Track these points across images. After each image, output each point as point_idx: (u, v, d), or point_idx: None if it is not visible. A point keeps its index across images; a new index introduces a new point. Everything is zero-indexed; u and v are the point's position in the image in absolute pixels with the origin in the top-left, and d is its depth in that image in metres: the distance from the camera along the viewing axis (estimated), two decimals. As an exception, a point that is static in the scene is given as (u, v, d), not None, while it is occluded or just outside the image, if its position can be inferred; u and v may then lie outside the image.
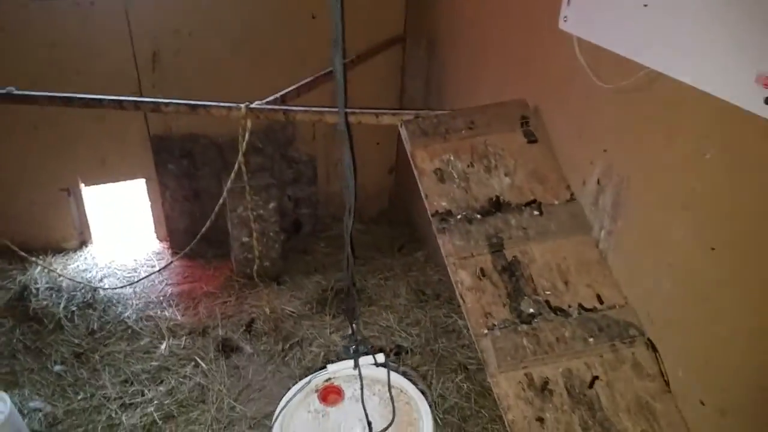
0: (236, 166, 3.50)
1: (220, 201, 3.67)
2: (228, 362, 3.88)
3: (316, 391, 2.03)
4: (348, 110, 2.80)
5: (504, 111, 2.95)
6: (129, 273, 4.60)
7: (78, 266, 4.55)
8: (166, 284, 4.54)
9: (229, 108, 3.31)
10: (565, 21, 2.54)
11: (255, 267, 3.85)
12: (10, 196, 4.35)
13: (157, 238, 5.01)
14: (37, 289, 4.21)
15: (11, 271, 4.37)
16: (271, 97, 3.45)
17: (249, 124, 3.30)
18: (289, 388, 1.99)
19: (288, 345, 4.02)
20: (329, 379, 2.06)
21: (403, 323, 4.22)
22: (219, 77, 4.38)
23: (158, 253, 4.89)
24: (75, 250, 4.72)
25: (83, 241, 4.80)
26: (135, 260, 4.76)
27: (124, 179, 4.73)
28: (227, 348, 3.99)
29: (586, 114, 2.54)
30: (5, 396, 2.82)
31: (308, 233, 5.19)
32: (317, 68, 3.78)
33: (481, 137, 2.85)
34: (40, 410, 3.42)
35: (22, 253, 3.90)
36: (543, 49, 2.83)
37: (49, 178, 4.43)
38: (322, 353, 3.94)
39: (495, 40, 3.42)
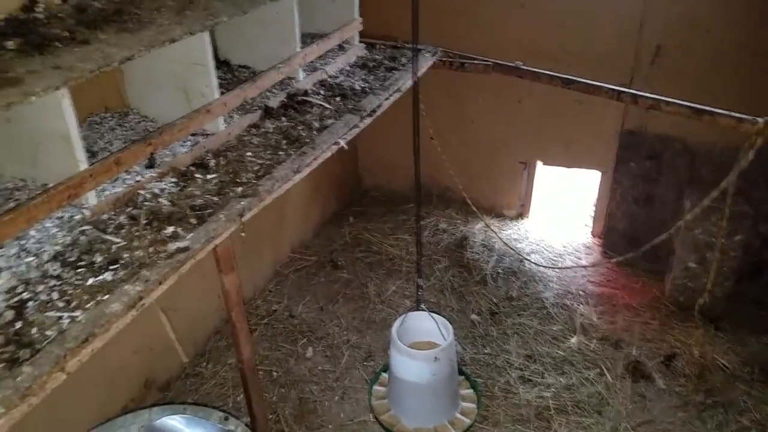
0: (724, 184, 2.98)
1: (686, 217, 3.22)
2: (634, 386, 3.48)
3: None
4: None
5: None
6: (555, 256, 4.58)
7: (511, 234, 4.76)
8: (588, 280, 4.35)
9: (740, 119, 2.82)
10: None
11: (701, 301, 3.29)
12: (479, 156, 4.80)
13: (591, 232, 4.85)
14: (474, 243, 4.59)
15: (456, 221, 4.88)
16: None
17: (759, 141, 2.75)
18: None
19: (710, 401, 3.36)
20: None
21: None
22: (724, 81, 3.83)
23: (587, 247, 4.73)
24: (512, 219, 4.95)
25: (521, 213, 5.00)
26: (563, 246, 4.71)
27: (580, 167, 4.68)
28: (637, 371, 3.57)
29: None
30: (449, 325, 3.09)
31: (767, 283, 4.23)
32: None
33: None
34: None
35: (474, 209, 4.26)
36: None
37: (514, 148, 4.71)
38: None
39: None
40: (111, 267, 1.71)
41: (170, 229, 1.88)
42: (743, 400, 3.36)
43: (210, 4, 2.34)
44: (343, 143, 2.63)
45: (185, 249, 1.80)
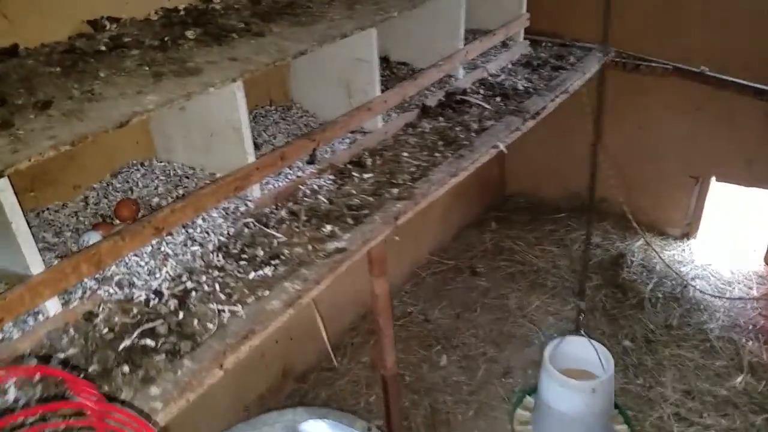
0: None
1: None
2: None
3: None
4: None
5: None
6: (723, 284, 4.04)
7: (674, 255, 4.28)
8: (759, 313, 3.78)
9: None
10: None
11: None
12: (644, 167, 4.35)
13: (765, 259, 4.22)
14: (632, 262, 4.18)
15: (611, 235, 4.48)
16: None
17: None
18: None
19: None
20: None
21: None
22: None
23: (760, 276, 4.12)
24: (675, 239, 4.45)
25: (687, 233, 4.48)
26: (732, 272, 4.15)
27: (761, 187, 4.08)
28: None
29: None
30: (609, 356, 2.82)
31: None
32: None
33: None
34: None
35: (635, 224, 3.88)
36: None
37: (685, 160, 4.21)
38: None
39: None
40: (272, 262, 1.69)
41: (328, 228, 1.85)
42: None
43: (380, -2, 2.28)
44: (502, 147, 2.46)
45: (342, 250, 1.75)
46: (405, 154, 2.33)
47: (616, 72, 3.53)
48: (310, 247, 1.76)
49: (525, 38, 3.38)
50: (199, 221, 1.80)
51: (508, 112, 2.66)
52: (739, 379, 3.31)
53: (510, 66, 3.22)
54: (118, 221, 1.82)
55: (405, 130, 2.52)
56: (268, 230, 1.83)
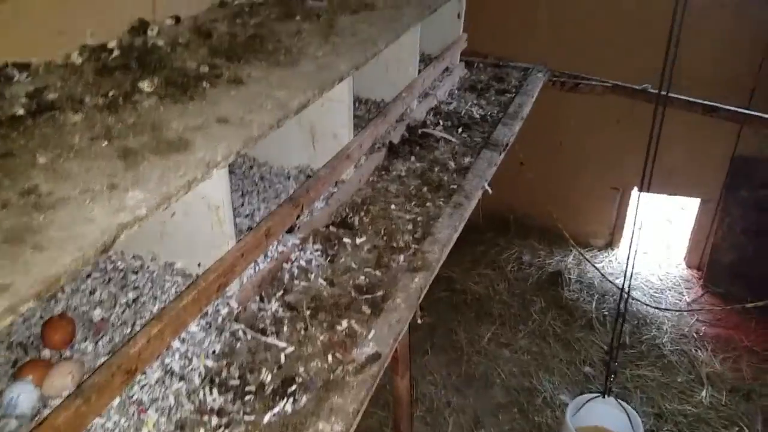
0: None
1: None
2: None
3: None
4: None
5: None
6: (656, 292, 4.13)
7: (603, 267, 4.30)
8: (697, 319, 3.90)
9: None
10: None
11: None
12: (566, 181, 4.34)
13: (687, 264, 4.40)
14: (570, 279, 4.12)
15: (539, 251, 4.41)
16: None
17: None
18: None
19: None
20: None
21: None
22: None
23: (686, 281, 4.27)
24: (599, 249, 4.50)
25: (609, 243, 4.54)
26: (660, 279, 4.26)
27: (682, 195, 4.24)
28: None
29: None
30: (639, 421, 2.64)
31: None
32: None
33: None
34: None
35: (572, 242, 3.81)
36: None
37: (607, 172, 4.26)
38: None
39: None
40: (288, 390, 1.24)
41: (344, 324, 1.42)
42: None
43: (356, 27, 1.87)
44: (488, 188, 2.18)
45: (377, 357, 1.33)
46: (393, 206, 1.95)
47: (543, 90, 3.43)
48: (331, 359, 1.33)
49: (460, 60, 3.16)
50: (176, 342, 1.28)
51: (482, 145, 2.38)
52: (703, 393, 3.33)
53: (456, 91, 2.97)
54: (47, 351, 1.25)
55: (379, 175, 2.15)
56: (267, 339, 1.36)
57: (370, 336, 1.39)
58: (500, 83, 3.10)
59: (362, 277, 1.60)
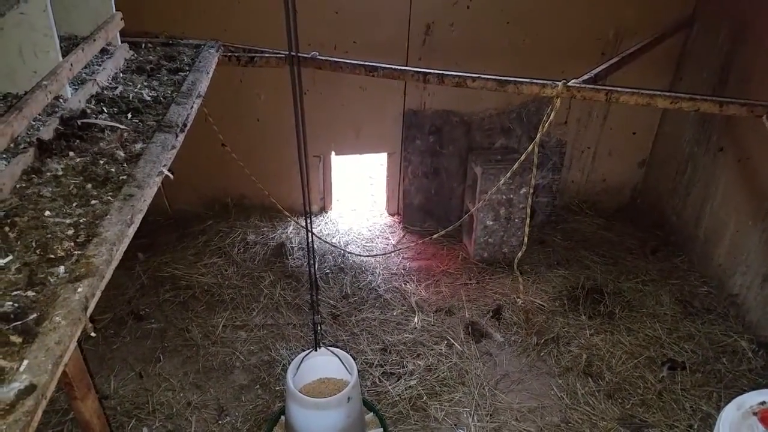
0: (531, 147, 3.24)
1: (500, 183, 3.42)
2: (479, 347, 3.65)
3: (755, 414, 1.74)
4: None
5: None
6: (367, 242, 4.53)
7: (321, 230, 4.55)
8: (403, 257, 4.41)
9: (543, 85, 3.05)
10: None
11: (520, 254, 3.56)
12: (271, 156, 4.41)
13: (388, 212, 4.91)
14: (292, 248, 4.25)
15: (263, 228, 4.47)
16: (585, 76, 3.17)
17: (558, 103, 3.04)
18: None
19: (543, 340, 3.70)
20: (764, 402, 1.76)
21: (672, 336, 3.73)
22: (491, 53, 4.15)
23: (390, 226, 4.78)
24: (315, 215, 4.73)
25: (323, 207, 4.81)
26: (369, 230, 4.69)
27: (372, 152, 4.67)
28: (476, 332, 3.76)
29: None
30: (352, 361, 2.77)
31: (543, 222, 4.83)
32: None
33: None
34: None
35: (287, 213, 3.95)
36: None
37: (309, 143, 4.44)
38: (584, 355, 3.55)
39: None
40: None
41: (-13, 363, 1.19)
42: (566, 331, 3.78)
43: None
44: (167, 172, 2.06)
45: (30, 389, 1.15)
46: (48, 213, 1.71)
47: (230, 67, 3.40)
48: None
49: (123, 41, 2.92)
50: None
51: (156, 129, 2.24)
52: (415, 319, 3.78)
53: (121, 74, 2.74)
54: None
55: (29, 180, 1.85)
56: None
57: (22, 368, 1.20)
58: (172, 62, 2.96)
59: (9, 304, 1.36)
